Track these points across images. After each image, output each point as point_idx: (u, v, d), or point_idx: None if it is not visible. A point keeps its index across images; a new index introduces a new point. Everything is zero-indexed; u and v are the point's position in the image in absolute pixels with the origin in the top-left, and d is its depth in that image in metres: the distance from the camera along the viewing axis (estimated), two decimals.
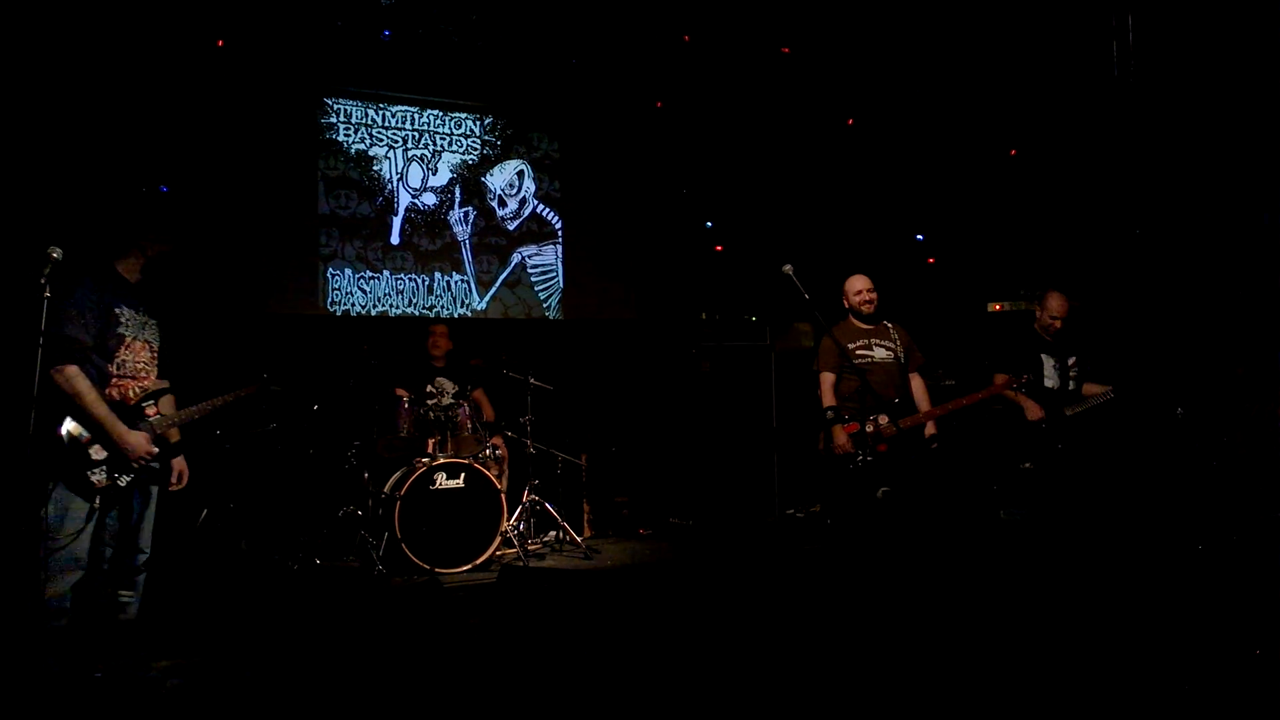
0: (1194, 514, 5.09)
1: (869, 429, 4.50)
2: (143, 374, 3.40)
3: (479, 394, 6.09)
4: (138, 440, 3.25)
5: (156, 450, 3.31)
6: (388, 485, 5.58)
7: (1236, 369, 5.49)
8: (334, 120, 6.69)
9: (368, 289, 6.74)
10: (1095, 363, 5.10)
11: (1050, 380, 4.89)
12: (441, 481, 5.45)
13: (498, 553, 5.59)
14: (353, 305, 6.69)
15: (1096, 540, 4.87)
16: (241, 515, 5.53)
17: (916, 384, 4.88)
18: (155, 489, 3.44)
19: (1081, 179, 6.82)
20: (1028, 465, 4.89)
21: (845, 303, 4.92)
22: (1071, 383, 4.99)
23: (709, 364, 7.20)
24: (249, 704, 3.29)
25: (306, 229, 6.57)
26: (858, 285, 4.88)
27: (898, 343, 4.85)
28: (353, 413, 5.75)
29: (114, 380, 3.28)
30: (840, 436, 4.57)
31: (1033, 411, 4.77)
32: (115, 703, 3.19)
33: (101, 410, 3.19)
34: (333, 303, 6.63)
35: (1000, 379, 4.81)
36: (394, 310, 6.80)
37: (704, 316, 7.42)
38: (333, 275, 6.64)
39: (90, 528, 3.17)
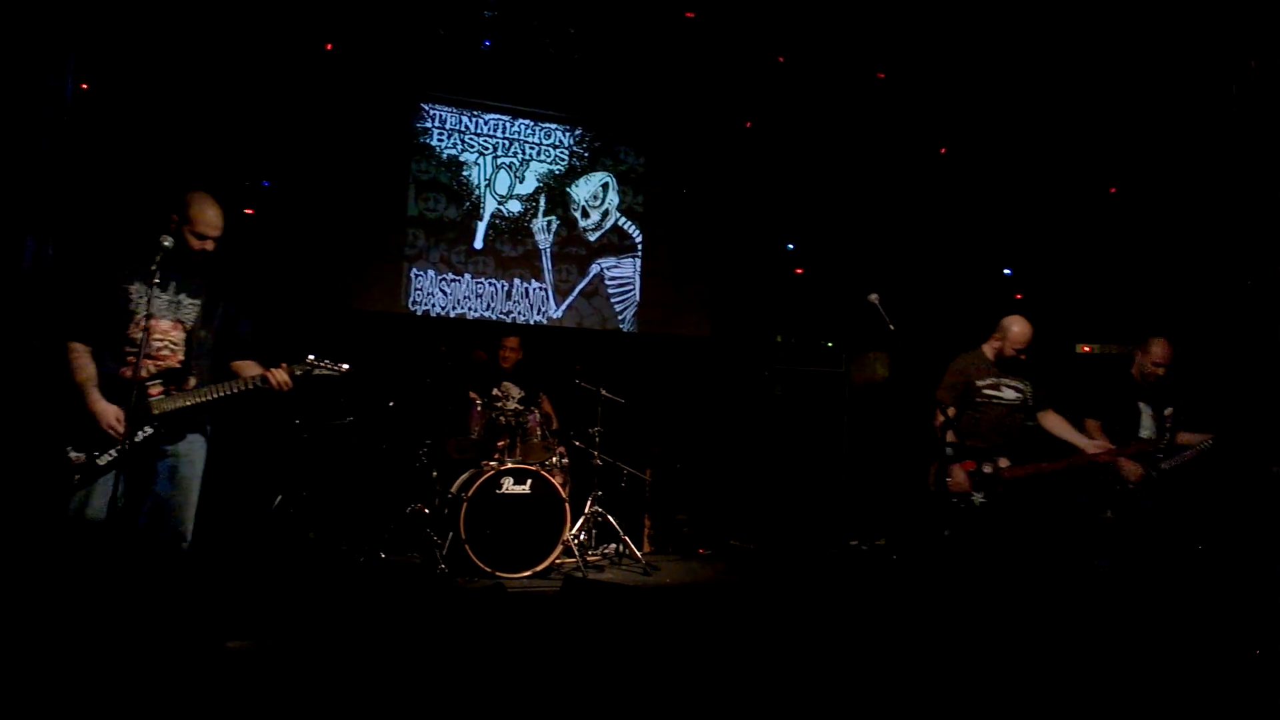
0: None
1: (987, 470, 4.36)
2: (163, 353, 3.29)
3: (544, 401, 6.12)
4: (103, 409, 3.14)
5: (124, 427, 3.13)
6: (455, 485, 5.65)
7: None
8: (429, 125, 6.84)
9: (448, 291, 6.86)
10: (1194, 415, 4.86)
11: (1146, 430, 4.66)
12: (508, 486, 5.49)
13: (557, 561, 5.60)
14: (433, 306, 6.82)
15: (1178, 593, 4.63)
16: (313, 504, 5.67)
17: (1055, 421, 4.65)
18: (186, 475, 3.32)
19: (1186, 221, 6.54)
20: (1109, 514, 4.69)
21: (997, 340, 4.63)
22: (1168, 434, 4.76)
23: (781, 387, 7.12)
24: (313, 690, 3.34)
25: (395, 229, 6.73)
26: (1025, 336, 4.57)
27: (1028, 385, 4.66)
28: (426, 412, 5.85)
29: (129, 358, 3.21)
30: (959, 475, 4.41)
31: (1132, 473, 4.54)
32: (185, 677, 3.24)
33: (79, 378, 3.16)
34: (414, 302, 6.77)
35: (1092, 424, 4.60)
36: (472, 313, 6.90)
37: (779, 339, 7.35)
38: (416, 275, 6.78)
39: (93, 502, 3.11)
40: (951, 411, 4.48)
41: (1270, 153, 5.74)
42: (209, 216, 3.37)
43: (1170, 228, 6.66)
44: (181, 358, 3.33)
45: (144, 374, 3.24)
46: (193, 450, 3.38)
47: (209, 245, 3.38)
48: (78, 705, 2.88)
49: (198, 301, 3.38)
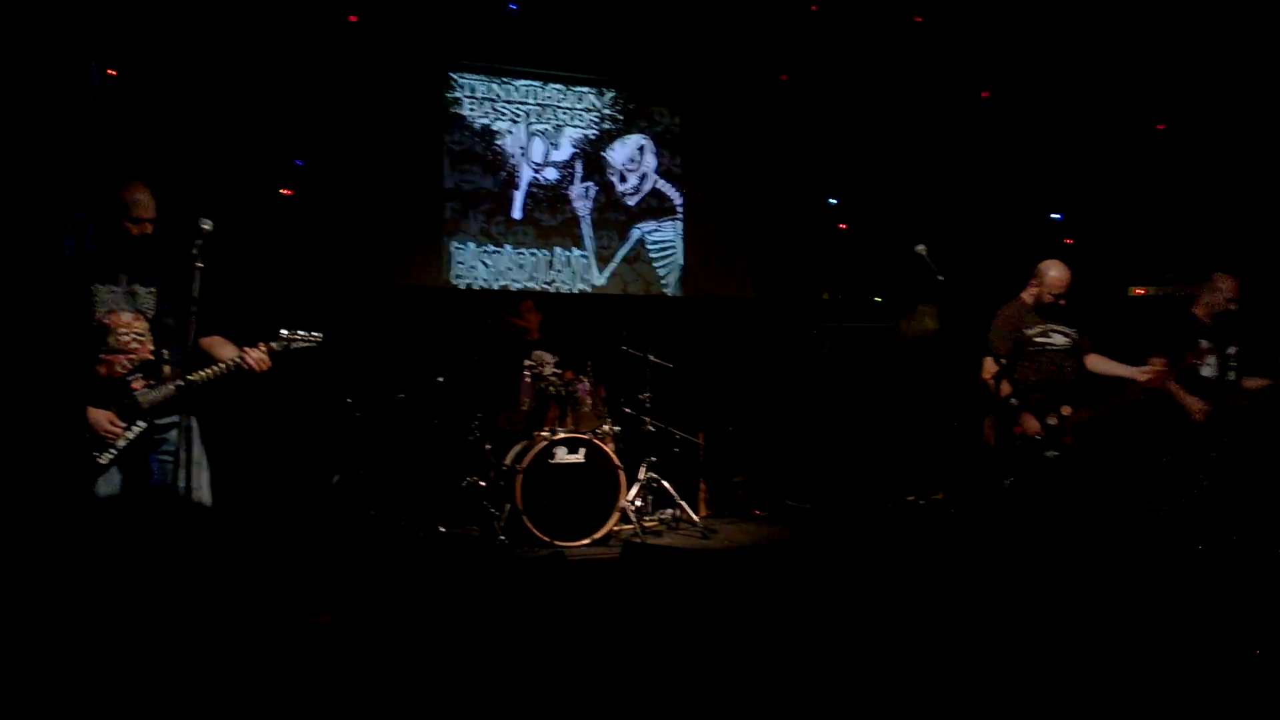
0: None
1: (1052, 421, 4.29)
2: (132, 346, 3.29)
3: (568, 374, 5.85)
4: (94, 416, 3.18)
5: (121, 426, 3.19)
6: (509, 457, 5.65)
7: None
8: (459, 95, 6.76)
9: (490, 263, 6.82)
10: (1257, 355, 4.73)
11: (1209, 370, 4.55)
12: (561, 455, 5.48)
13: (615, 528, 5.60)
14: (475, 279, 6.78)
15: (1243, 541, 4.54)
16: (371, 481, 5.70)
17: (1100, 360, 4.57)
18: (184, 458, 3.16)
19: (1236, 158, 6.34)
20: (1165, 460, 4.60)
21: (1035, 287, 4.52)
22: (1231, 373, 4.64)
23: (830, 344, 7.04)
24: (394, 660, 3.36)
25: (432, 203, 6.68)
26: (1062, 280, 4.44)
27: (1073, 330, 4.55)
28: (476, 385, 5.84)
29: (103, 357, 3.22)
30: (1033, 423, 4.31)
31: (1197, 412, 4.44)
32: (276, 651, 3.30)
33: None
34: (457, 276, 6.74)
35: (1157, 361, 4.49)
36: (515, 285, 6.86)
37: (825, 296, 7.25)
38: (456, 249, 6.74)
39: (101, 485, 3.18)
40: (1004, 361, 4.41)
41: None
42: (138, 199, 3.31)
43: (1221, 165, 6.46)
44: (152, 347, 3.31)
45: (120, 370, 3.24)
46: (185, 433, 3.23)
47: (147, 228, 3.33)
48: (194, 677, 2.91)
49: (152, 289, 3.34)
